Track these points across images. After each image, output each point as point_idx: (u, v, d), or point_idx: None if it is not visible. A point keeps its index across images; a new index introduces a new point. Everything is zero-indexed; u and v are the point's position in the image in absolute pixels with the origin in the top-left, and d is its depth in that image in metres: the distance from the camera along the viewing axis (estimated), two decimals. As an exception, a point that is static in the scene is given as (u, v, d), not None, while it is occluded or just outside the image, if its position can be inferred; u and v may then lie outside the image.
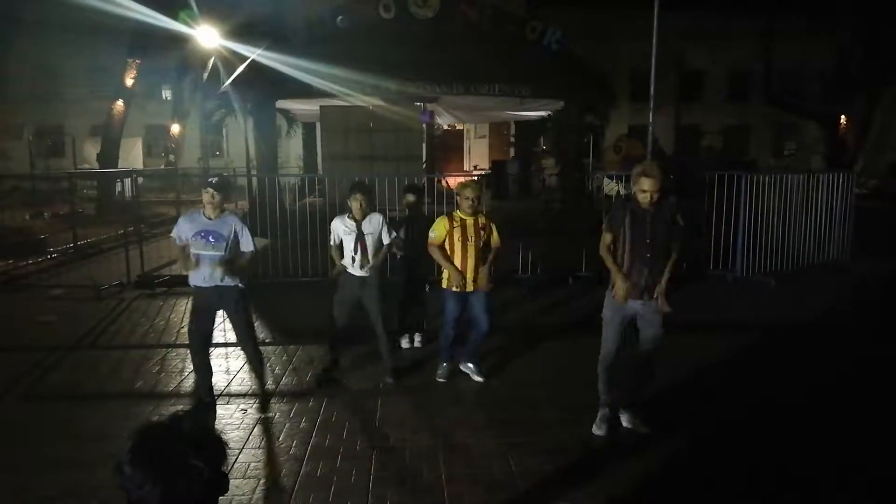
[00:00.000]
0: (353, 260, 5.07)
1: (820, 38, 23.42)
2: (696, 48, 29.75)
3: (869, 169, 23.85)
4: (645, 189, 3.95)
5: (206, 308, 4.63)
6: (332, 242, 5.24)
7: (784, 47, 25.58)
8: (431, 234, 5.05)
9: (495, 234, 5.13)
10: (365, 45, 11.15)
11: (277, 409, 4.73)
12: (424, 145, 14.37)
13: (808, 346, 6.20)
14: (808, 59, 25.78)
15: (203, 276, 4.47)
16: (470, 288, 5.00)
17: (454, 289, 4.97)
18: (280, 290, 8.32)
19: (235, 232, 4.52)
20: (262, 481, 3.68)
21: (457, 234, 4.97)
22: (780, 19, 23.87)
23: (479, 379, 5.21)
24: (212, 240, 4.43)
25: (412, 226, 5.88)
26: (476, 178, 5.26)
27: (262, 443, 4.18)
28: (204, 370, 4.73)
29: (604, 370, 4.28)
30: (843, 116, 22.82)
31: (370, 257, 5.07)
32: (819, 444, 4.13)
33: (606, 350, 4.24)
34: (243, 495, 3.51)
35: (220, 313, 4.74)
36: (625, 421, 4.30)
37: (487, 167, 21.51)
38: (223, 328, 6.81)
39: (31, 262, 10.09)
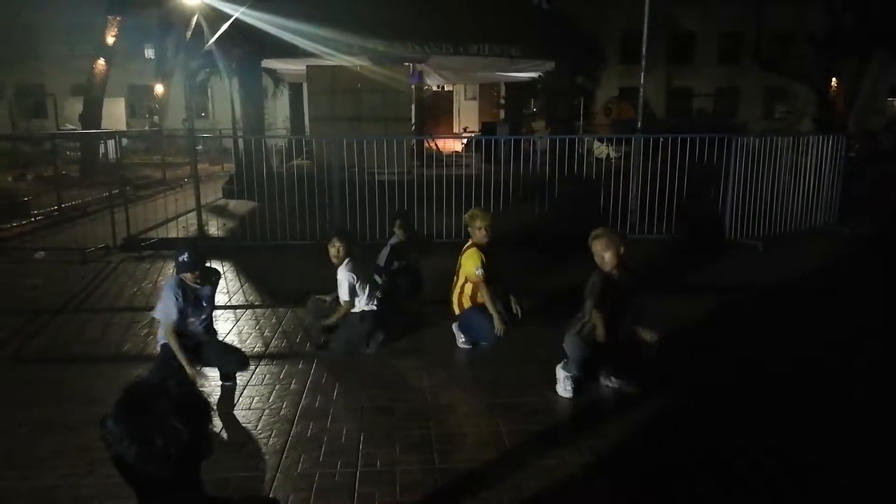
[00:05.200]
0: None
1: (811, 0, 23.20)
2: (688, 10, 29.43)
3: (858, 132, 23.85)
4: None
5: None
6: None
7: (776, 9, 25.32)
8: (478, 272, 4.86)
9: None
10: (352, 3, 10.92)
11: (267, 370, 4.75)
12: (413, 106, 14.22)
13: (794, 310, 6.29)
14: (799, 21, 25.60)
15: (193, 335, 4.37)
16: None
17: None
18: (268, 254, 8.29)
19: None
20: (251, 442, 3.71)
21: (489, 270, 4.86)
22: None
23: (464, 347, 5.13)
24: (204, 303, 4.38)
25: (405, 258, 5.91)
26: (484, 209, 5.09)
27: (252, 404, 4.21)
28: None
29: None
30: (833, 80, 22.73)
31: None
32: (798, 404, 4.21)
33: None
34: (233, 456, 3.54)
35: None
36: (612, 382, 4.35)
37: (477, 129, 21.36)
38: (226, 289, 6.82)
39: (14, 224, 9.97)
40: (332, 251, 5.00)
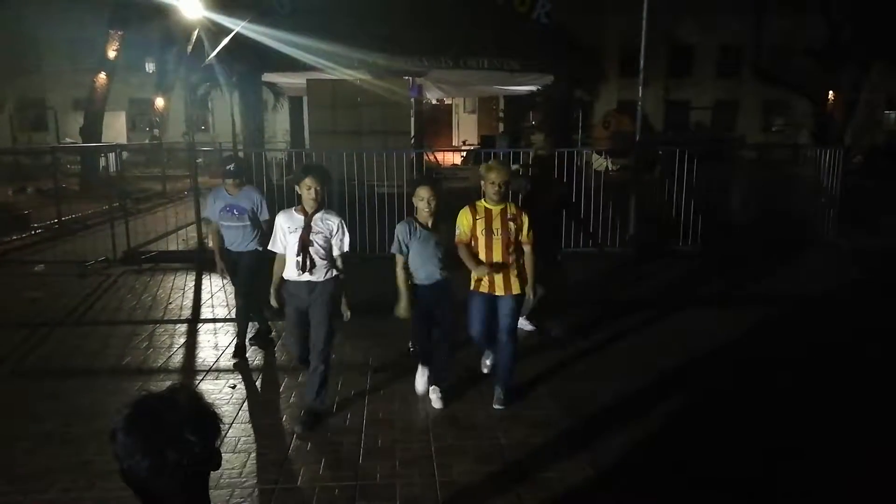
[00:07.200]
0: (297, 264, 4.03)
1: (810, 12, 23.33)
2: (687, 23, 29.59)
3: (855, 146, 23.95)
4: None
5: (233, 270, 5.24)
6: (269, 245, 4.31)
7: (774, 22, 25.49)
8: (457, 231, 4.28)
9: (525, 228, 4.25)
10: (352, 17, 10.99)
11: (268, 384, 4.74)
12: (413, 120, 14.26)
13: (794, 319, 6.30)
14: (798, 34, 25.74)
15: (231, 242, 5.13)
16: (499, 291, 4.24)
17: (481, 290, 4.26)
18: (268, 266, 8.28)
19: (255, 203, 5.11)
20: (252, 455, 3.71)
21: (480, 227, 4.21)
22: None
23: (498, 407, 4.30)
24: (236, 213, 5.03)
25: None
26: (502, 161, 4.80)
27: (253, 416, 4.20)
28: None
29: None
30: (831, 92, 22.84)
31: (318, 265, 4.04)
32: (790, 408, 4.21)
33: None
34: (233, 469, 3.53)
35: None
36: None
37: (476, 142, 21.43)
38: (210, 304, 6.82)
39: (15, 238, 9.98)
40: (311, 194, 4.01)
